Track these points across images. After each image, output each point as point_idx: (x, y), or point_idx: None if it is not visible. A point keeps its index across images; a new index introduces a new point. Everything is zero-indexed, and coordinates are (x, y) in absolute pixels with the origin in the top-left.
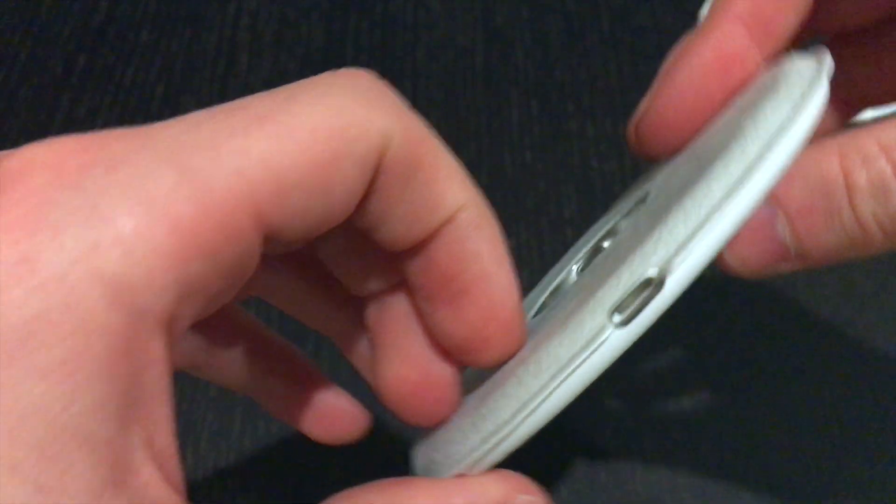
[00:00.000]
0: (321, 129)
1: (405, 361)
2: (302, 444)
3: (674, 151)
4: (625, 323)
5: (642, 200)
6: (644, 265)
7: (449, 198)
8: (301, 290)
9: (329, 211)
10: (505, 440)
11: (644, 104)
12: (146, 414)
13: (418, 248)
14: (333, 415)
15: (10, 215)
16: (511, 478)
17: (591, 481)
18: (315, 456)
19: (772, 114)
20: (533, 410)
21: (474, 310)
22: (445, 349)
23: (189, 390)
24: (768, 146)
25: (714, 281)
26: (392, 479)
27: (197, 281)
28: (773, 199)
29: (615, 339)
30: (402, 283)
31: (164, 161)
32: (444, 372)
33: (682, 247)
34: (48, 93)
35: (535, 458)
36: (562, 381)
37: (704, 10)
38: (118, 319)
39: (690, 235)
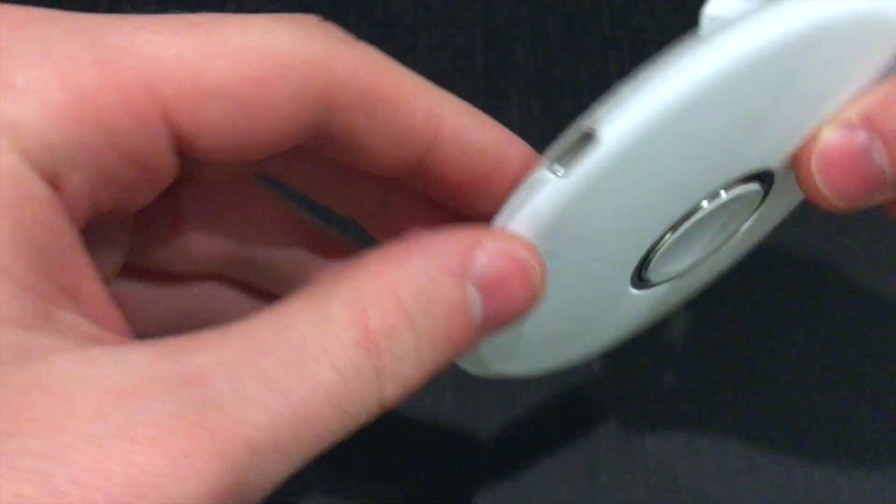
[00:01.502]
0: (253, 48)
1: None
2: None
3: None
4: (565, 174)
5: None
6: (586, 122)
7: (423, 119)
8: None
9: (254, 134)
10: None
11: None
12: (63, 263)
13: (415, 170)
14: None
15: None
16: (478, 228)
17: (591, 482)
18: None
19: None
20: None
21: (502, 191)
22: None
23: None
24: (741, 45)
25: (713, 282)
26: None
27: (93, 152)
28: (868, 125)
29: (556, 186)
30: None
31: (77, 31)
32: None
33: (617, 104)
34: None
35: (535, 458)
36: (508, 223)
37: (706, 10)
38: (11, 162)
39: (627, 96)
